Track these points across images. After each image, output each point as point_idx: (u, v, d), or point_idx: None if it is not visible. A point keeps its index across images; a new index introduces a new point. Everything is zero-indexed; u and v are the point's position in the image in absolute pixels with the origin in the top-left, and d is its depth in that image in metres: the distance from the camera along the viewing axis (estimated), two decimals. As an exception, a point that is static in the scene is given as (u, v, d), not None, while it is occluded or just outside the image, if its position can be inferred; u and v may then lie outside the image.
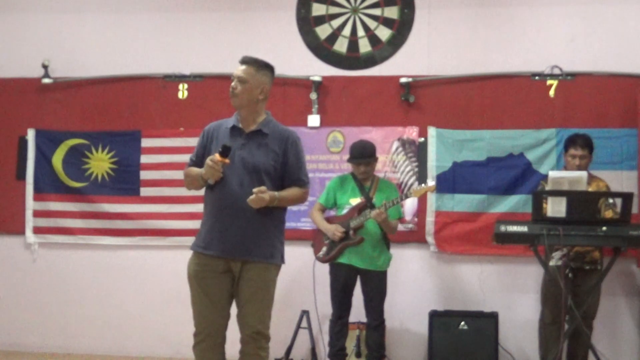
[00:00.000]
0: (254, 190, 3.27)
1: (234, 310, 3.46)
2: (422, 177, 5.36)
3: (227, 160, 3.29)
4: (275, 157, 3.42)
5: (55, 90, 5.84)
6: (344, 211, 4.75)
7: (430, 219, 5.37)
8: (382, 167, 5.45)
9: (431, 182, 4.68)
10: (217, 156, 3.28)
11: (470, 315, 5.08)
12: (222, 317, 3.41)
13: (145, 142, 5.71)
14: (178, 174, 5.51)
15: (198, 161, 3.47)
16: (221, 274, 3.38)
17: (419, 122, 5.47)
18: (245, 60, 3.45)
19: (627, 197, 4.08)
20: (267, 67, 3.49)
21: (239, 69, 3.43)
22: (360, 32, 5.64)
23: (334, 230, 4.64)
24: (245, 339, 3.38)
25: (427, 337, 5.09)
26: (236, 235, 3.33)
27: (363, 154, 4.72)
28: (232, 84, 3.42)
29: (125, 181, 5.72)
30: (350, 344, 4.93)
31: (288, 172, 3.45)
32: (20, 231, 5.79)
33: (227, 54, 5.70)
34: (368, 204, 4.67)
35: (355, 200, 4.73)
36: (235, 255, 3.34)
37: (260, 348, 3.39)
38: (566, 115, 5.28)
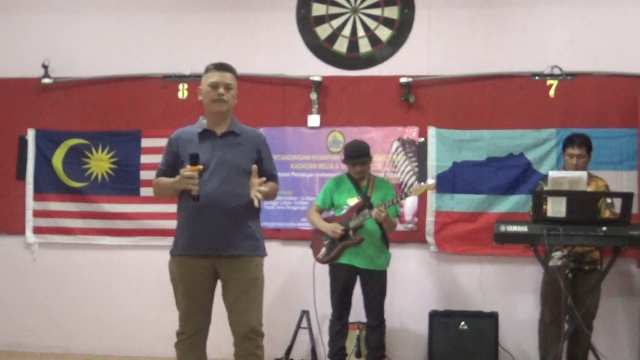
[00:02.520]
0: (257, 181, 3.33)
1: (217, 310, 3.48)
2: (422, 177, 5.36)
3: (200, 167, 3.31)
4: (251, 155, 3.49)
5: (55, 90, 5.85)
6: (342, 212, 4.75)
7: (430, 219, 5.37)
8: (382, 167, 5.46)
9: (431, 181, 4.68)
10: (189, 167, 3.28)
11: (470, 315, 5.08)
12: (206, 317, 3.47)
13: (145, 142, 5.71)
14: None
15: (169, 170, 3.49)
16: (206, 274, 3.41)
17: (419, 122, 5.47)
18: (228, 68, 3.51)
19: (627, 197, 4.08)
20: (237, 74, 3.58)
21: (225, 76, 3.47)
22: (360, 32, 5.64)
23: (334, 229, 4.63)
24: (239, 339, 3.39)
25: (427, 337, 5.09)
26: (219, 233, 3.36)
27: (358, 154, 4.72)
28: (220, 90, 3.44)
29: (125, 181, 5.72)
30: (350, 344, 4.94)
31: (262, 169, 3.49)
32: (20, 231, 5.79)
33: (227, 54, 5.68)
34: (366, 204, 4.66)
35: (353, 201, 4.73)
36: (219, 251, 3.37)
37: (257, 347, 3.40)
38: (566, 115, 5.28)
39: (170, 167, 3.48)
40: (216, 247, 3.37)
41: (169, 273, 3.50)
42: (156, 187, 3.56)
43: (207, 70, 3.52)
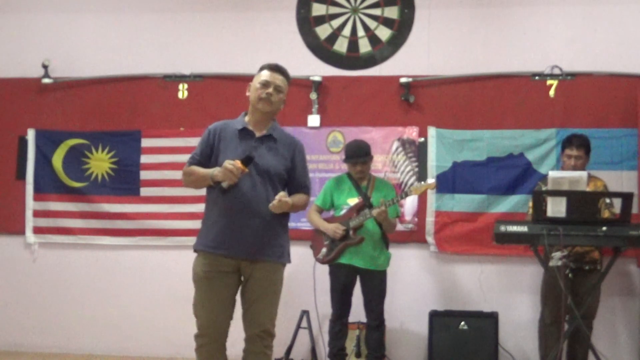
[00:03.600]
0: (278, 196, 3.32)
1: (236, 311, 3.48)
2: (422, 177, 5.36)
3: (247, 169, 3.30)
4: (285, 162, 3.47)
5: (55, 90, 5.84)
6: (342, 212, 4.75)
7: (430, 219, 5.37)
8: (382, 167, 5.46)
9: (431, 180, 4.67)
10: (238, 163, 3.28)
11: (470, 315, 5.08)
12: (227, 318, 3.42)
13: (145, 142, 5.71)
14: (178, 174, 5.45)
15: (203, 160, 3.46)
16: (229, 275, 3.40)
17: (419, 122, 5.47)
18: (282, 70, 3.50)
19: (627, 197, 4.08)
20: (290, 79, 3.57)
21: (277, 78, 3.46)
22: (360, 32, 5.64)
23: (335, 229, 4.63)
24: (252, 337, 3.39)
25: (427, 337, 5.09)
26: (249, 236, 3.35)
27: (359, 154, 4.72)
28: (269, 90, 3.43)
29: (125, 181, 5.72)
30: (350, 344, 4.94)
31: (295, 178, 3.50)
32: (20, 231, 5.79)
33: (227, 54, 5.71)
34: (366, 204, 4.66)
35: (353, 201, 4.73)
36: (248, 255, 3.36)
37: (267, 347, 3.42)
38: (566, 115, 5.28)
39: (206, 158, 3.45)
40: (244, 250, 3.35)
41: (192, 270, 3.45)
42: (187, 175, 3.49)
43: (262, 69, 3.51)
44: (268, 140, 3.47)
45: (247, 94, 3.52)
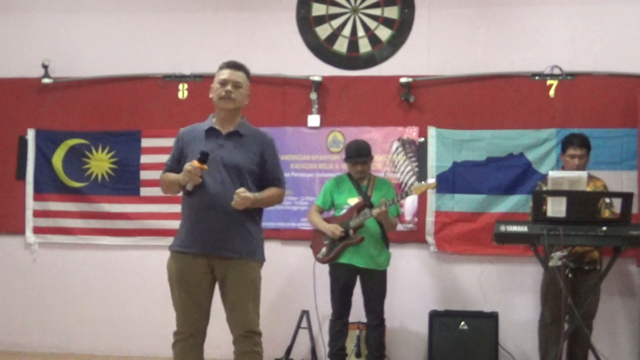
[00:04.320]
0: (237, 191, 3.32)
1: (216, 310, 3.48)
2: (422, 177, 5.36)
3: (205, 167, 3.32)
4: (254, 157, 3.48)
5: (55, 90, 5.84)
6: (343, 211, 4.75)
7: (430, 219, 5.37)
8: (382, 167, 5.46)
9: (431, 180, 4.67)
10: (195, 162, 3.30)
11: (470, 315, 5.08)
12: (204, 317, 3.45)
13: (145, 142, 5.71)
14: (178, 174, 5.54)
15: (174, 166, 3.51)
16: (203, 274, 3.41)
17: (419, 122, 5.47)
18: (238, 66, 3.52)
19: (627, 197, 4.07)
20: (249, 74, 3.58)
21: (235, 74, 3.48)
22: (360, 32, 5.64)
23: (334, 229, 4.63)
24: (239, 338, 3.40)
25: (427, 337, 5.09)
26: (218, 233, 3.36)
27: (359, 153, 4.73)
28: (228, 87, 3.45)
29: (125, 181, 5.72)
30: (350, 344, 4.93)
31: (266, 172, 3.51)
32: (20, 231, 5.79)
33: (227, 54, 5.65)
34: (367, 203, 4.67)
35: (354, 200, 4.73)
36: (218, 252, 3.37)
37: (256, 344, 3.42)
38: (566, 115, 5.28)
39: (176, 163, 3.49)
40: (211, 246, 3.37)
41: (166, 270, 3.49)
42: (162, 182, 3.57)
43: (220, 68, 3.53)
44: (235, 136, 3.49)
45: (210, 95, 3.55)
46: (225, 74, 3.48)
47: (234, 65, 3.51)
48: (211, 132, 3.50)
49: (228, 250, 3.37)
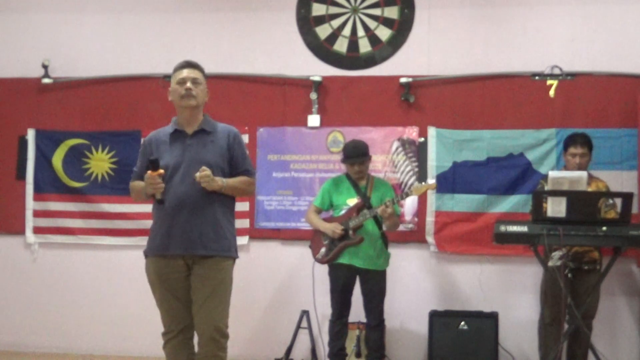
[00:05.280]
0: (199, 172, 3.30)
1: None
2: (422, 177, 5.36)
3: (161, 171, 3.32)
4: (223, 152, 3.49)
5: (55, 90, 5.84)
6: (342, 212, 4.75)
7: (430, 219, 5.37)
8: (382, 167, 5.46)
9: (432, 180, 4.67)
10: (149, 173, 3.31)
11: (470, 315, 5.08)
12: (189, 314, 3.44)
13: (145, 142, 5.71)
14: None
15: (141, 173, 3.49)
16: (181, 272, 3.42)
17: (419, 122, 5.47)
18: (193, 65, 3.54)
19: (627, 197, 4.08)
20: (204, 72, 3.61)
21: (192, 72, 3.50)
22: (360, 32, 5.64)
23: (334, 228, 4.63)
24: (205, 340, 3.37)
25: (427, 337, 5.09)
26: (194, 232, 3.36)
27: (357, 153, 4.72)
28: (188, 85, 3.46)
29: (125, 181, 5.62)
30: (350, 344, 4.93)
31: (235, 164, 3.51)
32: (20, 231, 5.79)
33: (227, 54, 5.71)
34: (366, 204, 4.66)
35: (352, 201, 4.72)
36: (194, 251, 3.37)
37: (220, 349, 3.40)
38: (566, 115, 5.28)
39: (143, 171, 3.47)
40: (188, 247, 3.37)
41: (146, 275, 3.51)
42: (131, 190, 3.61)
43: (175, 70, 3.55)
44: (201, 134, 3.50)
45: (170, 99, 3.56)
46: (183, 73, 3.49)
47: (189, 65, 3.53)
48: (176, 134, 3.50)
49: (204, 248, 3.38)
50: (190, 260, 3.40)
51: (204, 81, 3.55)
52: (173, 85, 3.52)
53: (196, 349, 3.47)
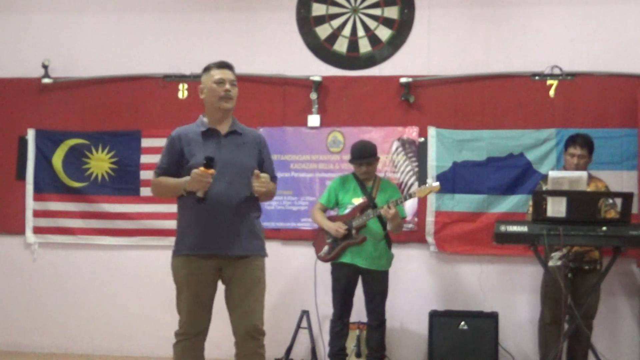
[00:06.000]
0: (256, 172, 3.33)
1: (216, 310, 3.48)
2: (422, 177, 5.36)
3: (213, 171, 3.28)
4: (255, 155, 3.51)
5: (55, 90, 5.84)
6: (346, 211, 4.75)
7: (430, 219, 5.37)
8: (382, 167, 5.45)
9: (435, 183, 4.65)
10: (202, 169, 3.26)
11: (470, 315, 5.08)
12: (206, 318, 3.46)
13: (145, 142, 5.70)
14: (178, 174, 5.53)
15: (172, 169, 3.45)
16: (211, 275, 3.41)
17: (419, 122, 5.47)
18: (230, 66, 3.54)
19: (627, 197, 4.08)
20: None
21: (229, 74, 3.49)
22: (360, 32, 5.64)
23: (337, 227, 4.64)
24: (243, 337, 3.38)
25: (427, 337, 5.09)
26: (230, 234, 3.36)
27: (364, 154, 4.73)
28: (227, 87, 3.45)
29: (125, 181, 5.72)
30: (350, 344, 4.93)
31: (264, 170, 3.51)
32: (20, 231, 5.79)
33: (227, 54, 5.65)
34: (370, 204, 4.67)
35: (358, 200, 4.73)
36: (230, 252, 3.37)
37: (260, 346, 3.42)
38: (566, 115, 5.28)
39: (174, 166, 3.44)
40: (224, 247, 3.37)
41: (172, 274, 3.47)
42: (157, 186, 3.52)
43: (209, 68, 3.52)
44: (233, 136, 3.50)
45: (202, 96, 3.54)
46: (221, 73, 3.47)
47: (227, 66, 3.52)
48: (209, 133, 3.48)
49: (240, 249, 3.39)
50: (224, 262, 3.39)
51: (236, 82, 3.55)
52: (209, 84, 3.47)
53: (217, 349, 3.46)
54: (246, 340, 3.37)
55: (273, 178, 3.57)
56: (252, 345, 3.38)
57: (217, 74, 3.47)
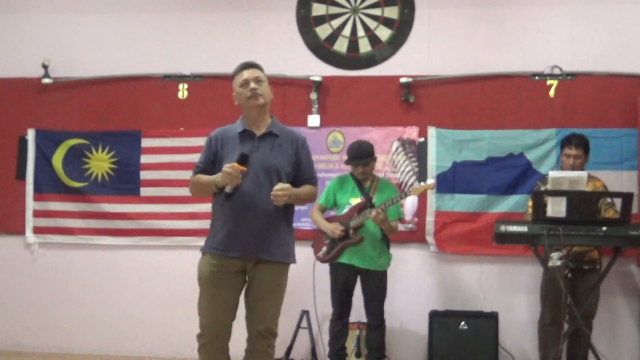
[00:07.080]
0: (276, 187, 3.33)
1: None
2: (422, 177, 5.36)
3: (245, 168, 3.31)
4: (290, 157, 3.49)
5: (55, 90, 5.84)
6: (344, 211, 4.75)
7: (430, 219, 5.37)
8: (382, 167, 5.45)
9: (431, 180, 4.67)
10: (235, 164, 3.29)
11: (470, 315, 5.08)
12: (230, 319, 3.43)
13: (145, 142, 5.71)
14: (178, 174, 5.54)
15: (207, 168, 3.48)
16: (235, 275, 3.41)
17: (419, 122, 5.47)
18: (254, 65, 3.53)
19: (627, 197, 4.08)
20: (263, 70, 3.59)
21: (253, 72, 3.48)
22: (360, 32, 5.64)
23: (334, 229, 4.64)
24: (255, 336, 3.41)
25: (427, 337, 5.09)
26: (257, 236, 3.36)
27: (360, 155, 4.73)
28: (252, 85, 3.44)
29: (125, 181, 5.72)
30: (350, 344, 4.93)
31: (301, 171, 3.51)
32: (20, 231, 5.79)
33: (227, 54, 5.70)
34: (368, 204, 4.67)
35: (356, 200, 4.73)
36: (255, 255, 3.38)
37: (270, 346, 3.44)
38: (566, 115, 5.28)
39: (210, 165, 3.47)
40: (252, 250, 3.37)
41: (197, 273, 3.46)
42: (194, 185, 3.53)
43: (235, 72, 3.53)
44: (269, 137, 3.49)
45: (236, 103, 3.55)
46: (244, 74, 3.48)
47: (248, 65, 3.52)
48: (245, 134, 3.48)
49: (266, 253, 3.38)
50: (249, 263, 3.39)
51: (265, 79, 3.52)
52: (237, 89, 3.50)
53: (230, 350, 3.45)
54: (257, 339, 3.40)
55: (310, 179, 3.55)
56: (263, 344, 3.40)
57: (240, 77, 3.49)
